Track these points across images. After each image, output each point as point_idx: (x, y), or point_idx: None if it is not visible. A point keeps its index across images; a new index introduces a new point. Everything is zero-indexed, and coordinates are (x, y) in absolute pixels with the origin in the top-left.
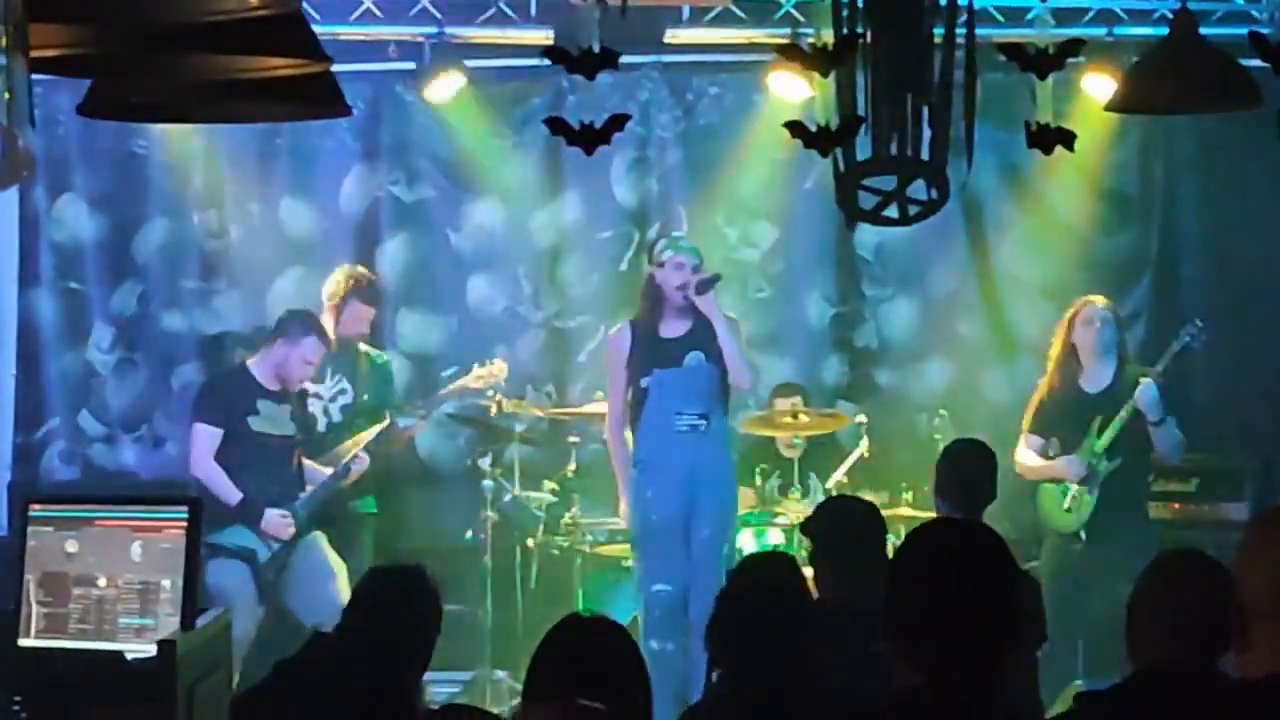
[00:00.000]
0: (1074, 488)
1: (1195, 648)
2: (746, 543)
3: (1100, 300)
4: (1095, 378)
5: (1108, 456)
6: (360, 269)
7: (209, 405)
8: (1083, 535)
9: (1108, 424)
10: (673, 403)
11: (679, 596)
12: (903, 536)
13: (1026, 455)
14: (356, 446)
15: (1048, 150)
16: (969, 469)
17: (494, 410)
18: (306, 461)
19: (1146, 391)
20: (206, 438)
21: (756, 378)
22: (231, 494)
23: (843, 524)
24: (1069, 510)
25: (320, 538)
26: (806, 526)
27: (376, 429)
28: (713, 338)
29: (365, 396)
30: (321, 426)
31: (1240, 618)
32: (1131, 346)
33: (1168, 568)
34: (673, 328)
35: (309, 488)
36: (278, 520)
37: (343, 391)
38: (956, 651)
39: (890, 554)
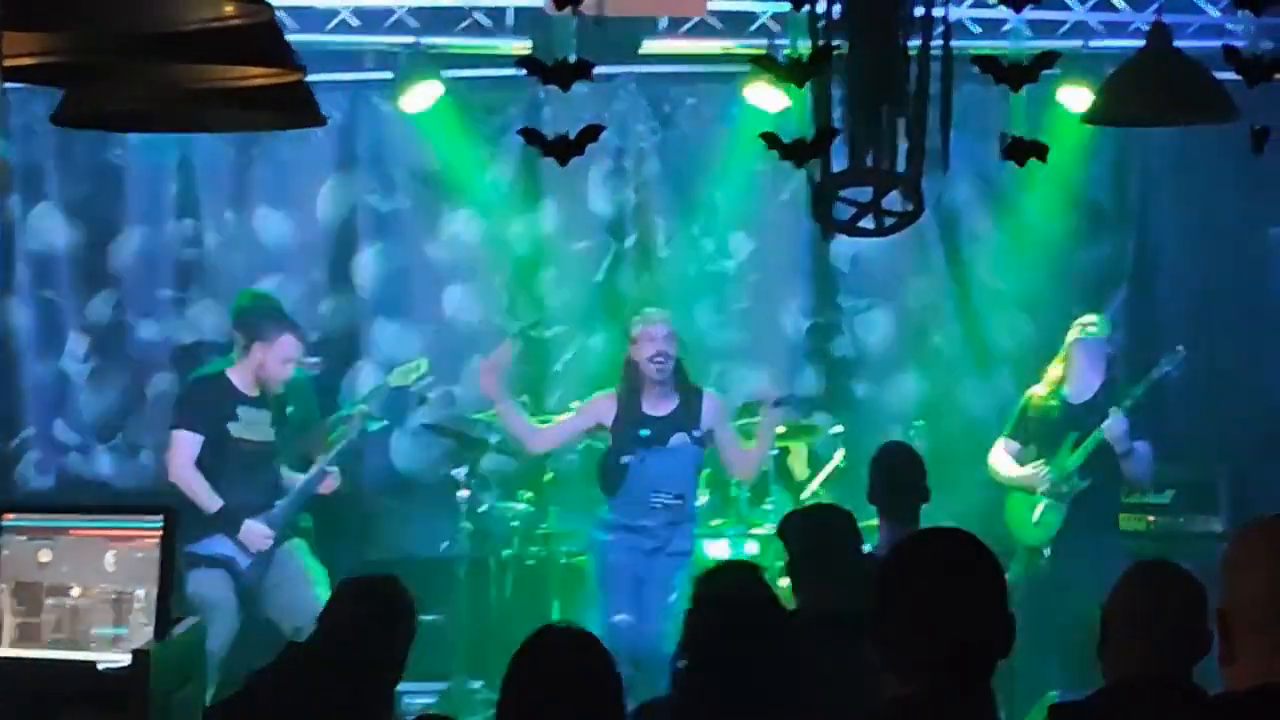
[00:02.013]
0: (1043, 501)
1: (1169, 659)
2: (722, 554)
3: (1094, 316)
4: (1080, 389)
5: (1079, 476)
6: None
7: (189, 411)
8: (1046, 551)
9: (1083, 441)
10: (652, 481)
11: (636, 628)
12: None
13: (1000, 458)
14: (329, 452)
15: (1021, 162)
16: (900, 470)
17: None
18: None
19: (1116, 424)
20: (187, 444)
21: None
22: (212, 501)
23: (818, 531)
24: (1037, 525)
25: (301, 544)
26: (782, 533)
27: (346, 438)
28: (697, 417)
29: (290, 409)
30: None
31: (1225, 629)
32: (1111, 359)
33: (1142, 579)
34: (658, 406)
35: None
36: (256, 532)
37: None
38: (947, 663)
39: (862, 561)
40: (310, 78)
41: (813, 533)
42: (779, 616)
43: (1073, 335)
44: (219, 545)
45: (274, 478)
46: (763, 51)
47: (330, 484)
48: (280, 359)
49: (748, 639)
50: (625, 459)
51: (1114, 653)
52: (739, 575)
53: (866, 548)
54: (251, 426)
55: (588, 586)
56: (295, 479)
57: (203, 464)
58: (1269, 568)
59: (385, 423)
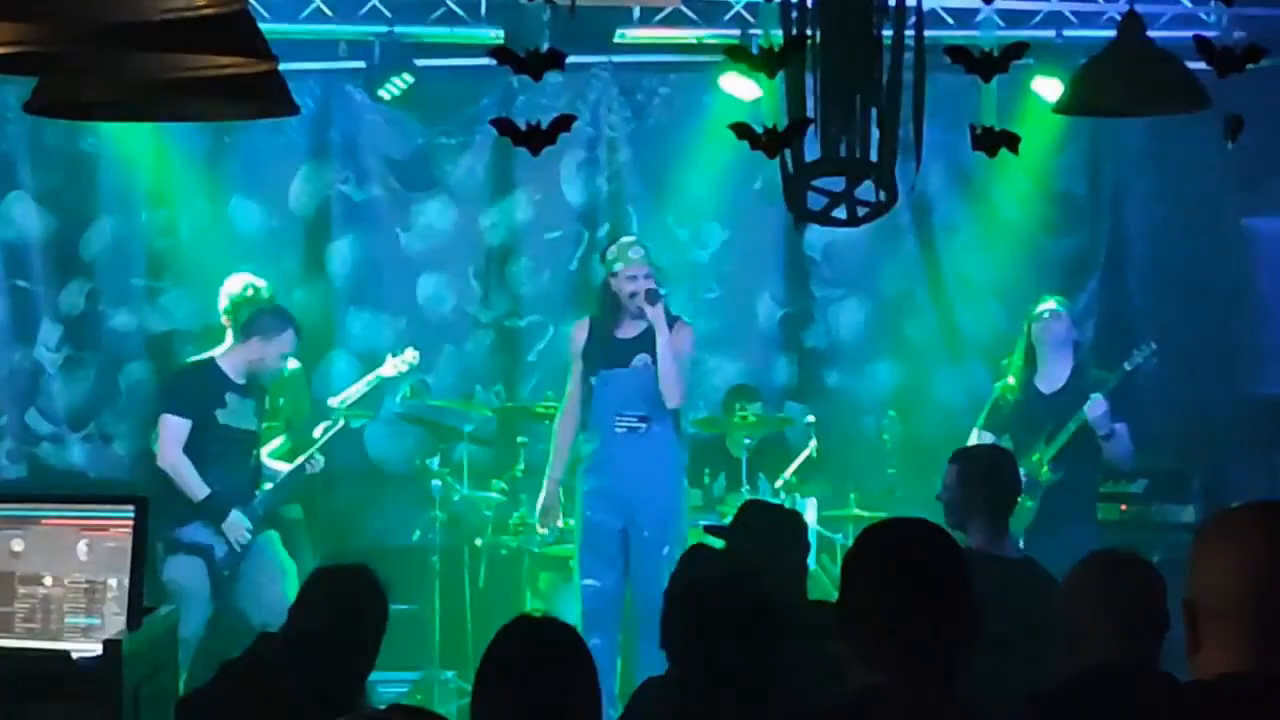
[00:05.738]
0: None
1: (1134, 646)
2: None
3: (1055, 300)
4: (1051, 378)
5: (1052, 468)
6: (258, 284)
7: (178, 396)
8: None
9: (1058, 432)
10: (615, 403)
11: (611, 593)
12: (851, 537)
13: None
14: (315, 446)
15: (992, 153)
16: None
17: (400, 397)
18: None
19: (1096, 406)
20: (175, 428)
21: (684, 398)
22: (199, 488)
23: (761, 530)
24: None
25: (274, 537)
26: (722, 533)
27: (332, 430)
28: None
29: (280, 401)
30: None
31: (1191, 618)
32: (1081, 347)
33: (1099, 569)
34: (627, 329)
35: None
36: (238, 526)
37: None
38: (911, 651)
39: (805, 556)
40: (283, 66)
41: (753, 531)
42: (760, 602)
43: (1038, 334)
44: (198, 533)
45: (256, 466)
46: (736, 41)
47: (313, 469)
48: (277, 354)
49: (727, 627)
50: (593, 380)
51: (1078, 641)
52: (716, 561)
53: None
54: (238, 414)
55: (573, 554)
56: (276, 465)
57: (189, 450)
58: (1229, 557)
59: (365, 421)
